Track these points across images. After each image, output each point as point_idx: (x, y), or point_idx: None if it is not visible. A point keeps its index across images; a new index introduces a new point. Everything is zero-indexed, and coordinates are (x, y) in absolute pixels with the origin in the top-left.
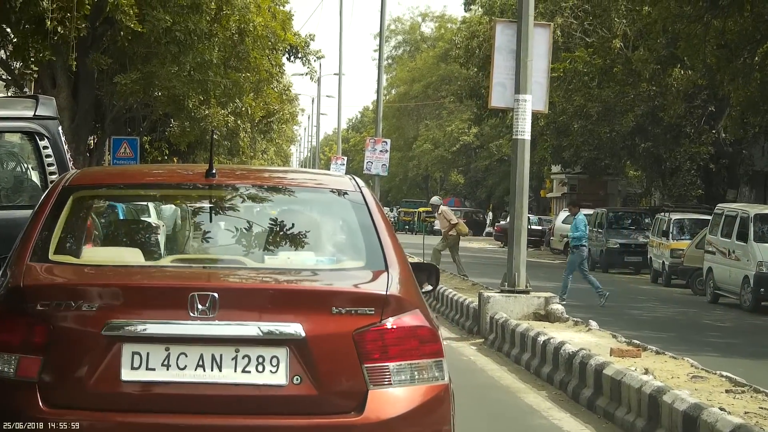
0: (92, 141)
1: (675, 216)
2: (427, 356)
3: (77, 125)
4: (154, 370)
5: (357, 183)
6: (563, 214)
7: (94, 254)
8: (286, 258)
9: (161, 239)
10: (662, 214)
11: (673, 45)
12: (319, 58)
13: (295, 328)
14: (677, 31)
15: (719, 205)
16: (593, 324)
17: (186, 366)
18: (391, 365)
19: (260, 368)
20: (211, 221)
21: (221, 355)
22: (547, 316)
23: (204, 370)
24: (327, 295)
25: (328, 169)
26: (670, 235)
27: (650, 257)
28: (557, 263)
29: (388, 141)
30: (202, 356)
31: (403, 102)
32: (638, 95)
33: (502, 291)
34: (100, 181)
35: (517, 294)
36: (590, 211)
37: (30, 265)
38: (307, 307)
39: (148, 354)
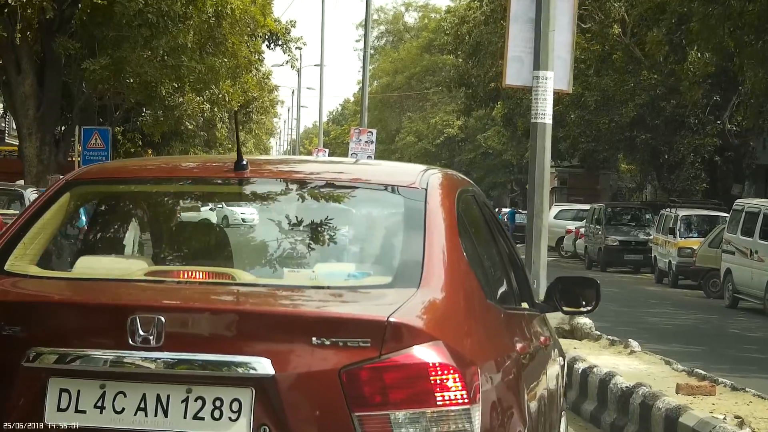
0: (60, 131)
1: (682, 212)
2: (448, 403)
3: (43, 114)
4: (84, 412)
5: (427, 179)
6: (555, 209)
7: (83, 265)
8: (309, 272)
9: (170, 246)
10: (668, 210)
11: (685, 26)
12: (299, 48)
13: (261, 364)
14: (692, 11)
15: (738, 200)
16: (634, 344)
17: (124, 409)
18: (395, 414)
19: (217, 414)
20: (227, 226)
21: (168, 396)
22: (573, 332)
23: (146, 415)
24: (304, 320)
25: None
26: (678, 232)
27: (654, 256)
28: (551, 260)
29: (374, 131)
30: (144, 397)
31: (386, 93)
32: (639, 83)
33: None
34: (109, 174)
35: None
36: (586, 207)
37: None
38: (279, 335)
39: (78, 392)
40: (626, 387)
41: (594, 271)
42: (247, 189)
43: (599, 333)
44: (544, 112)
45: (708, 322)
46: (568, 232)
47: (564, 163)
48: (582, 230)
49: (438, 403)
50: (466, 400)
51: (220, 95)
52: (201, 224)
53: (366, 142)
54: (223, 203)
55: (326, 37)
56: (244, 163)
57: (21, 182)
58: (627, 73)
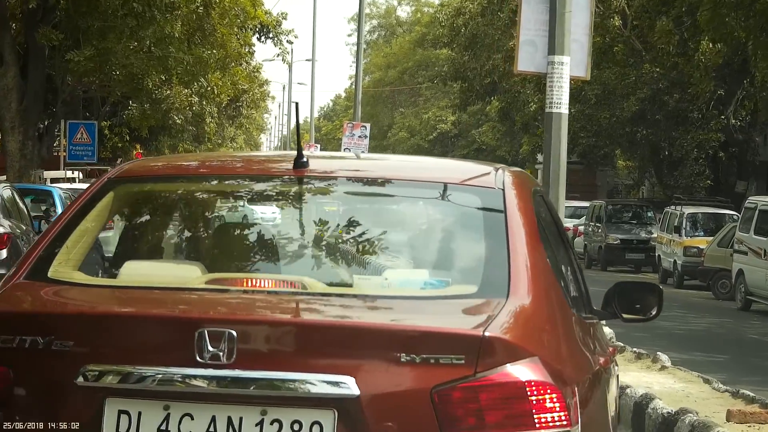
0: (44, 125)
1: (688, 210)
2: (547, 425)
3: (26, 107)
4: None
5: (502, 178)
6: None
7: (130, 271)
8: (382, 279)
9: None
10: (673, 207)
11: (693, 17)
12: (290, 42)
13: (344, 383)
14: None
15: (751, 198)
16: (663, 357)
17: None
18: None
19: None
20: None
21: (241, 419)
22: None
23: None
24: (393, 335)
25: None
26: (683, 231)
27: (658, 255)
28: None
29: (368, 125)
30: (213, 419)
31: (378, 88)
32: (641, 77)
33: None
34: (156, 172)
35: None
36: (584, 204)
37: (16, 285)
38: (364, 352)
39: (139, 414)
40: (668, 413)
41: (594, 270)
42: (307, 187)
43: (622, 344)
44: (560, 100)
45: (723, 327)
46: (566, 230)
47: (572, 158)
48: (581, 228)
49: (537, 425)
50: (565, 423)
51: (209, 88)
52: (254, 227)
53: (359, 136)
54: (276, 203)
55: (317, 31)
56: (305, 159)
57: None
58: (628, 66)
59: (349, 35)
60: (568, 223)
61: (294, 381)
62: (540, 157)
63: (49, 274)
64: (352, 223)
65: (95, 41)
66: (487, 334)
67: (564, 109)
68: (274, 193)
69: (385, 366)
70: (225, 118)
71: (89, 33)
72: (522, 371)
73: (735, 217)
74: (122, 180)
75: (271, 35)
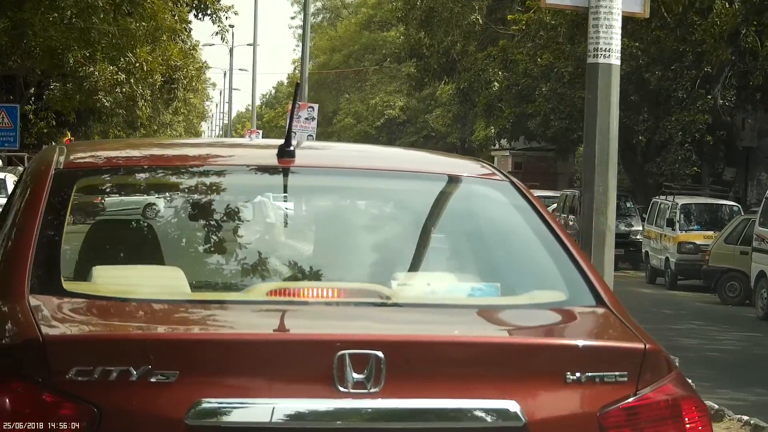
0: None
1: (681, 200)
2: None
3: None
4: None
5: (497, 168)
6: None
7: (109, 277)
8: (424, 284)
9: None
10: (662, 197)
11: None
12: (229, 19)
13: (508, 409)
14: None
15: None
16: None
17: None
18: None
19: None
20: (286, 226)
21: None
22: None
23: None
24: (556, 351)
25: None
26: (677, 224)
27: (645, 251)
28: None
29: (316, 106)
30: None
31: (323, 72)
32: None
33: None
34: (115, 163)
35: None
36: (548, 193)
37: (40, 301)
38: (526, 372)
39: None
40: None
41: None
42: (294, 181)
43: None
44: (609, 46)
45: (759, 344)
46: None
47: (517, 146)
48: None
49: None
50: None
51: (137, 64)
52: (242, 225)
53: (306, 118)
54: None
55: (259, 15)
56: (292, 148)
57: None
58: None
59: (292, 17)
60: None
61: (453, 411)
62: (502, 143)
63: (65, 287)
64: (359, 221)
65: (10, 12)
66: (648, 347)
67: (615, 59)
68: (258, 186)
69: (549, 387)
70: (160, 103)
71: (3, 3)
72: (674, 387)
73: (735, 208)
74: (79, 172)
75: (209, 12)
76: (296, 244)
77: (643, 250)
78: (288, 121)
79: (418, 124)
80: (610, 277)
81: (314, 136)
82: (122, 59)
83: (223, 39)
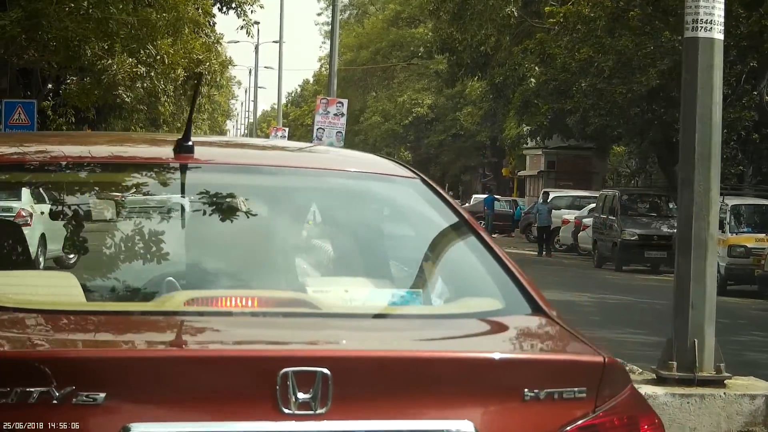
0: None
1: (732, 201)
2: None
3: None
4: None
5: (408, 167)
6: (551, 194)
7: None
8: (342, 292)
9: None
10: None
11: None
12: (253, 11)
13: (461, 431)
14: None
15: None
16: None
17: None
18: None
19: None
20: (183, 228)
21: None
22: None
23: None
24: (515, 366)
25: None
26: (727, 226)
27: None
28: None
29: (345, 101)
30: None
31: (350, 70)
32: (660, 47)
33: (660, 379)
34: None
35: (702, 387)
36: (584, 193)
37: None
38: (481, 389)
39: None
40: None
41: (607, 270)
42: (191, 178)
43: None
44: (710, 17)
45: None
46: (564, 222)
47: (550, 144)
48: (585, 221)
49: None
50: None
51: (158, 56)
52: (144, 224)
53: (335, 114)
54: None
55: (285, 11)
56: (190, 143)
57: None
58: (644, 34)
59: (319, 14)
60: (567, 215)
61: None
62: (533, 142)
63: None
64: (262, 224)
65: (23, 2)
66: (607, 360)
67: (717, 33)
68: (148, 185)
69: (507, 405)
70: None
71: None
72: (631, 402)
73: None
74: None
75: (233, 5)
76: (197, 248)
77: None
78: (189, 111)
79: (446, 122)
80: (712, 292)
81: (343, 132)
82: (142, 51)
83: (248, 33)
